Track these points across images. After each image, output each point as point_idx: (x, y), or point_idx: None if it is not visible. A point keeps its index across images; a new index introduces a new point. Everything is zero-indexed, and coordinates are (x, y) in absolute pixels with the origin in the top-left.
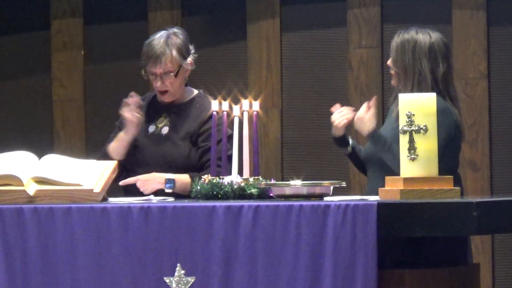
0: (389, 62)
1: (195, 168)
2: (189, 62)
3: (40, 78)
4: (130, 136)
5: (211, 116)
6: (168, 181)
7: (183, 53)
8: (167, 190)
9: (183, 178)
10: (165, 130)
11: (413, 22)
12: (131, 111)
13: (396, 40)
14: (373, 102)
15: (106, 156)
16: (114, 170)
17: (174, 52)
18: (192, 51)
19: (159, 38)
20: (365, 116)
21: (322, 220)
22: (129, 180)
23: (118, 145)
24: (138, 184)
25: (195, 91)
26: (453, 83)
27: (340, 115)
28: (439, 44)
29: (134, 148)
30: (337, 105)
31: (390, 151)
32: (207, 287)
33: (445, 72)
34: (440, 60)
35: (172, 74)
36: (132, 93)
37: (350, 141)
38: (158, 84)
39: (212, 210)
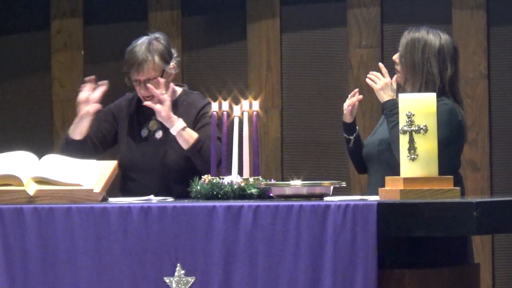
0: (395, 56)
1: (195, 170)
2: (172, 66)
3: (40, 78)
4: (86, 124)
5: (200, 110)
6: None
7: (166, 58)
8: (172, 131)
9: (192, 133)
10: (159, 134)
11: (413, 22)
12: (90, 103)
13: (407, 37)
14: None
15: (67, 140)
16: (114, 170)
17: (157, 58)
18: (175, 55)
19: (140, 44)
20: (394, 85)
21: (322, 220)
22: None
23: (76, 126)
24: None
25: (180, 89)
26: (459, 87)
27: (350, 100)
28: (449, 47)
29: (127, 151)
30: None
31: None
32: (207, 287)
33: (452, 75)
34: (449, 62)
35: (155, 80)
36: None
37: (357, 130)
38: (142, 92)
39: (212, 210)
